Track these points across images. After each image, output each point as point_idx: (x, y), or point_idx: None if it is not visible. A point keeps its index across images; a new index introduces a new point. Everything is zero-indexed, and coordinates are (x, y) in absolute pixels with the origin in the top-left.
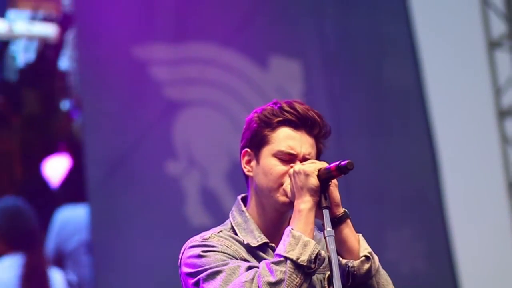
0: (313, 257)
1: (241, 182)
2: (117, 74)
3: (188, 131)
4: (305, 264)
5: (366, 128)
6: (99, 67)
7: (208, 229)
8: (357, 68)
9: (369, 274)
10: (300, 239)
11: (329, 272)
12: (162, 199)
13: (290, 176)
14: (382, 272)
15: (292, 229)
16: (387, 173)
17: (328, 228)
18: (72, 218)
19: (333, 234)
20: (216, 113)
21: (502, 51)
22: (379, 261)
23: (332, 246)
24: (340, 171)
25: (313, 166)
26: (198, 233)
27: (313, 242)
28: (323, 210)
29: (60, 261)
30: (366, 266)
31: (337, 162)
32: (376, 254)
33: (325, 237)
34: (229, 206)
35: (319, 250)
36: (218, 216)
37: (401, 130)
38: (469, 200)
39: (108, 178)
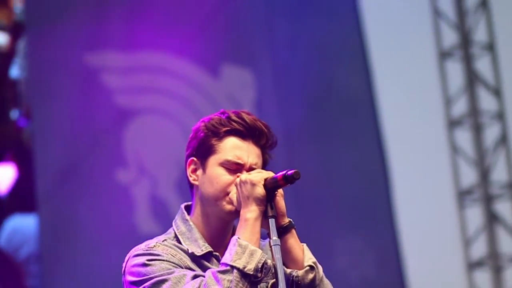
0: (259, 266)
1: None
2: (68, 82)
3: (138, 139)
4: (251, 273)
5: (316, 136)
6: (50, 75)
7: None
8: (307, 76)
9: (313, 284)
10: (247, 248)
11: (272, 281)
12: (112, 207)
13: (236, 186)
14: (326, 281)
15: (238, 238)
16: (336, 181)
17: (274, 237)
18: (22, 227)
19: (279, 243)
20: (167, 121)
21: (453, 61)
22: (328, 269)
23: (278, 255)
24: (287, 180)
25: (260, 176)
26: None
27: (259, 251)
28: (269, 219)
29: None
30: (311, 276)
31: (284, 172)
32: (325, 262)
33: (271, 246)
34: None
35: (265, 259)
36: (167, 225)
37: (351, 138)
38: (419, 209)
39: (58, 187)
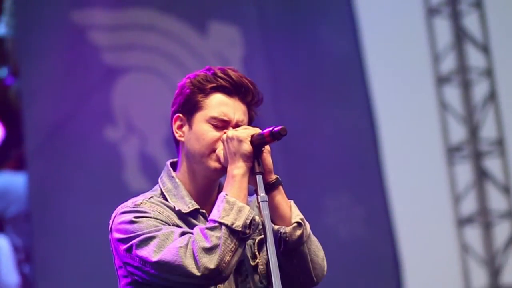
0: (248, 223)
1: None
2: (55, 39)
3: (126, 97)
4: (240, 229)
5: (305, 93)
6: (37, 33)
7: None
8: (296, 33)
9: (301, 241)
10: (235, 204)
11: (259, 237)
12: (101, 165)
13: (223, 142)
14: (313, 238)
15: (226, 194)
16: (325, 138)
17: (262, 194)
18: (11, 185)
19: (267, 199)
20: (154, 78)
21: (441, 18)
22: (317, 226)
23: (265, 212)
24: (273, 137)
25: (246, 132)
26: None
27: (247, 208)
28: (257, 176)
29: (1, 226)
30: (298, 232)
31: (271, 128)
32: (314, 219)
33: (258, 202)
34: None
35: (253, 216)
36: (156, 182)
37: (340, 95)
38: (408, 166)
39: (46, 145)
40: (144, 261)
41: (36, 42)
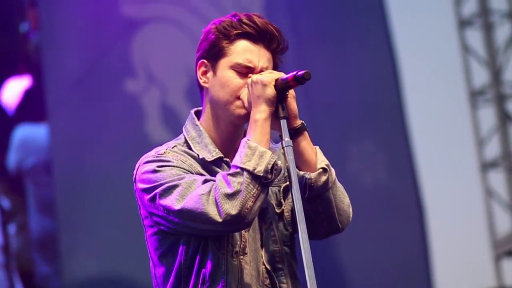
0: (269, 168)
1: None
2: None
3: (146, 48)
4: (261, 174)
5: (325, 40)
6: None
7: None
8: None
9: (326, 187)
10: (257, 149)
11: (284, 184)
12: (122, 117)
13: (248, 87)
14: (339, 185)
15: (248, 140)
16: (347, 84)
17: (286, 138)
18: (31, 136)
19: (291, 144)
20: (174, 29)
21: None
22: (341, 173)
23: (290, 157)
24: (297, 81)
25: (271, 76)
26: None
27: (269, 152)
28: (281, 121)
29: (20, 178)
30: (323, 178)
31: (294, 72)
32: (337, 166)
33: (283, 147)
34: None
35: (275, 160)
36: (178, 132)
37: (362, 42)
38: (431, 109)
39: (68, 97)
40: (168, 210)
41: None
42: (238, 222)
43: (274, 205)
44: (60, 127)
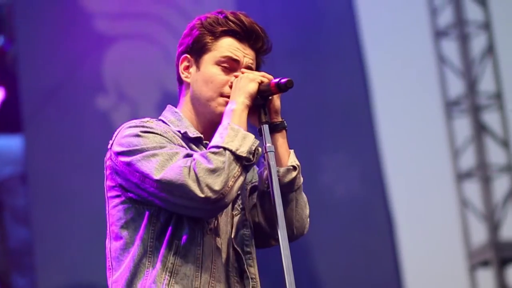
0: (253, 149)
1: None
2: (49, 5)
3: (117, 65)
4: (244, 155)
5: (299, 53)
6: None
7: None
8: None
9: (292, 186)
10: (239, 131)
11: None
12: (92, 133)
13: (234, 82)
14: (303, 194)
15: (229, 122)
16: (319, 98)
17: (268, 144)
18: (6, 148)
19: (273, 150)
20: (146, 45)
21: None
22: (314, 185)
23: (272, 162)
24: (279, 88)
25: (259, 74)
26: None
27: (252, 136)
28: (263, 126)
29: None
30: (291, 175)
31: (278, 79)
32: (311, 177)
33: (265, 152)
34: None
35: (257, 145)
36: None
37: (333, 54)
38: (406, 120)
39: (42, 110)
40: (145, 176)
41: (31, 8)
42: (217, 200)
43: (248, 190)
44: (35, 139)
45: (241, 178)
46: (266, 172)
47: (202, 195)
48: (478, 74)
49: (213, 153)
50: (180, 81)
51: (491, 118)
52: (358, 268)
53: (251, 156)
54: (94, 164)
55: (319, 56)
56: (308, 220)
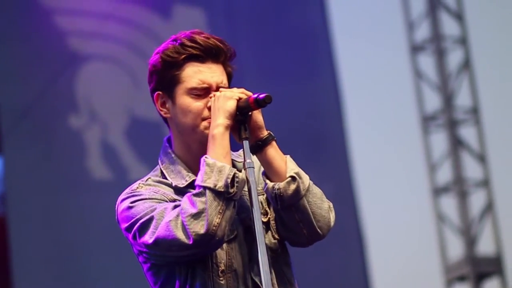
0: (229, 181)
1: (139, 137)
2: (23, 22)
3: (90, 84)
4: (222, 190)
5: (270, 71)
6: (5, 15)
7: (109, 182)
8: (260, 16)
9: (298, 195)
10: (215, 166)
11: (262, 196)
12: (65, 152)
13: (211, 102)
14: (315, 190)
15: (206, 157)
16: (291, 116)
17: (248, 160)
18: None
19: (253, 166)
20: (116, 68)
21: None
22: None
23: (252, 178)
24: (258, 104)
25: (235, 91)
26: (99, 186)
27: (227, 166)
28: (243, 141)
29: None
30: (293, 186)
31: (256, 95)
32: None
33: (244, 169)
34: (128, 160)
35: (234, 173)
36: (119, 170)
37: (306, 72)
38: (383, 135)
39: (19, 129)
40: (146, 245)
41: (5, 24)
42: (208, 241)
43: (261, 214)
44: (12, 159)
45: (229, 211)
46: (271, 186)
47: (191, 243)
48: (454, 88)
49: (195, 195)
50: (163, 118)
51: (467, 133)
52: (328, 285)
53: (230, 189)
54: (65, 184)
55: (292, 72)
56: (331, 211)
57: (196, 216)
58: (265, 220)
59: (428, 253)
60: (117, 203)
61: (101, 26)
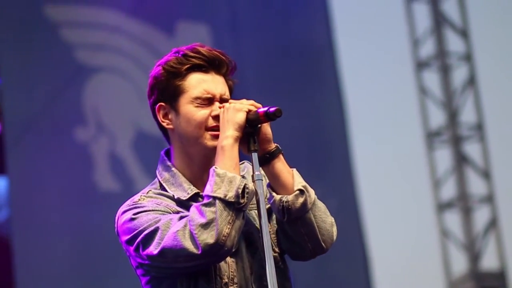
0: (240, 192)
1: (146, 150)
2: (30, 35)
3: (97, 96)
4: (233, 200)
5: (274, 87)
6: (13, 28)
7: (116, 194)
8: (264, 31)
9: (305, 208)
10: (225, 176)
11: (268, 206)
12: (71, 165)
13: (221, 113)
14: (320, 204)
15: (215, 168)
16: (298, 129)
17: (257, 172)
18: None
19: (262, 178)
20: (122, 81)
21: (420, 3)
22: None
23: (260, 190)
24: (268, 117)
25: (246, 103)
26: (106, 198)
27: (238, 177)
28: (252, 154)
29: None
30: (301, 199)
31: (266, 108)
32: None
33: (253, 181)
34: (135, 172)
35: (245, 184)
36: (126, 182)
37: (311, 87)
38: (388, 151)
39: (23, 142)
40: (150, 256)
41: (12, 38)
42: (217, 251)
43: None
44: (17, 175)
45: (238, 222)
46: (278, 198)
47: (199, 252)
48: (459, 105)
49: (204, 204)
50: (163, 130)
51: (472, 149)
52: None
53: (240, 200)
54: (72, 197)
55: (296, 86)
56: (334, 225)
57: (206, 226)
58: None
59: (432, 268)
60: (117, 215)
61: (108, 39)
